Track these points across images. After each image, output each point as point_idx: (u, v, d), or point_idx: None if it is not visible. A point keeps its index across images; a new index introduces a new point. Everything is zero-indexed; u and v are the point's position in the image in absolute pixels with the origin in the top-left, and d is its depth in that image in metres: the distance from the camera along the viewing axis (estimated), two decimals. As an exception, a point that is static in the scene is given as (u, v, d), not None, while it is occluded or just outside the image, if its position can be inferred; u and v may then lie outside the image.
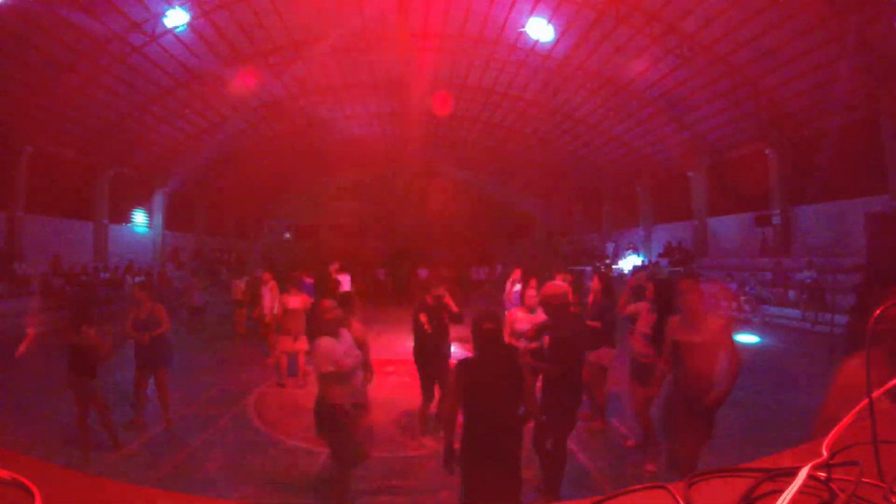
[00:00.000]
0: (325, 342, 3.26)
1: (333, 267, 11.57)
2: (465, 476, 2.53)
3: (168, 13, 12.16)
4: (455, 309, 4.87)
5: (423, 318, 4.69)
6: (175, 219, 21.65)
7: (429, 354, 4.70)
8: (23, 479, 0.79)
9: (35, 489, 0.77)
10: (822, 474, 0.78)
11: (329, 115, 21.34)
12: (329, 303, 3.47)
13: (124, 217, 18.31)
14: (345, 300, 4.08)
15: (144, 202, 19.77)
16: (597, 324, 4.81)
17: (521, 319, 4.99)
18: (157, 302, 5.31)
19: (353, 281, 12.14)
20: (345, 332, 3.48)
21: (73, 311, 4.62)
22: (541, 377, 3.45)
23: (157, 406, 5.21)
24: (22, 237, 13.47)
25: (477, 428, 2.48)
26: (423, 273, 19.36)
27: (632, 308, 4.52)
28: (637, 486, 0.85)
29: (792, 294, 12.34)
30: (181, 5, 12.10)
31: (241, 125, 19.91)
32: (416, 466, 4.18)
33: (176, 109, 16.71)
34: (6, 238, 13.12)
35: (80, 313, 4.49)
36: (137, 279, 14.23)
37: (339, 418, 3.12)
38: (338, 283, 8.99)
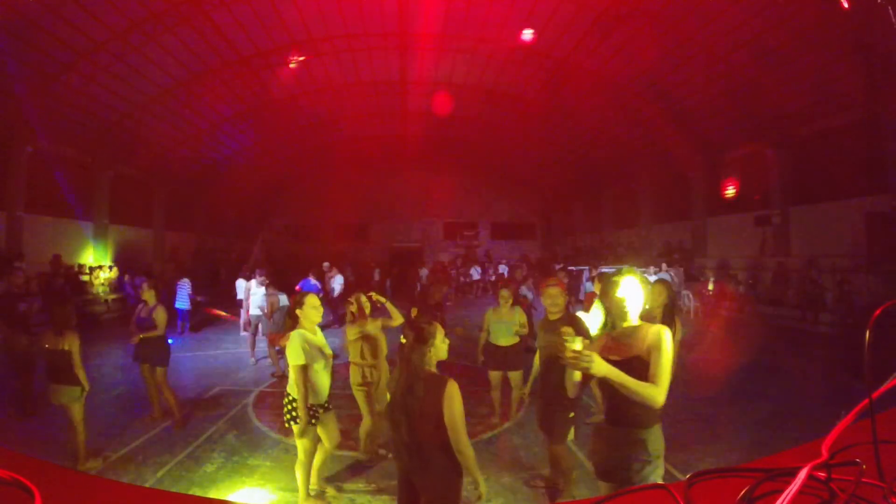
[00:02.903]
0: (302, 334, 3.37)
1: (325, 265, 11.72)
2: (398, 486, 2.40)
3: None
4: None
5: (413, 311, 4.80)
6: (175, 219, 21.64)
7: None
8: (23, 479, 0.79)
9: (35, 489, 0.77)
10: (822, 474, 0.78)
11: (329, 115, 21.35)
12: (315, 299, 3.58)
13: (124, 217, 18.29)
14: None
15: (144, 202, 19.76)
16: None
17: (495, 317, 5.09)
18: (159, 303, 5.34)
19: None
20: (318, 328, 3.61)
21: (54, 315, 4.27)
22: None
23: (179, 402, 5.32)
24: (22, 237, 13.46)
25: (398, 447, 2.28)
26: (423, 272, 19.35)
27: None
28: (637, 486, 0.85)
29: (792, 294, 12.35)
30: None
31: (242, 125, 19.92)
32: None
33: (176, 109, 16.71)
34: (6, 238, 13.11)
35: (61, 317, 4.19)
36: (138, 280, 14.22)
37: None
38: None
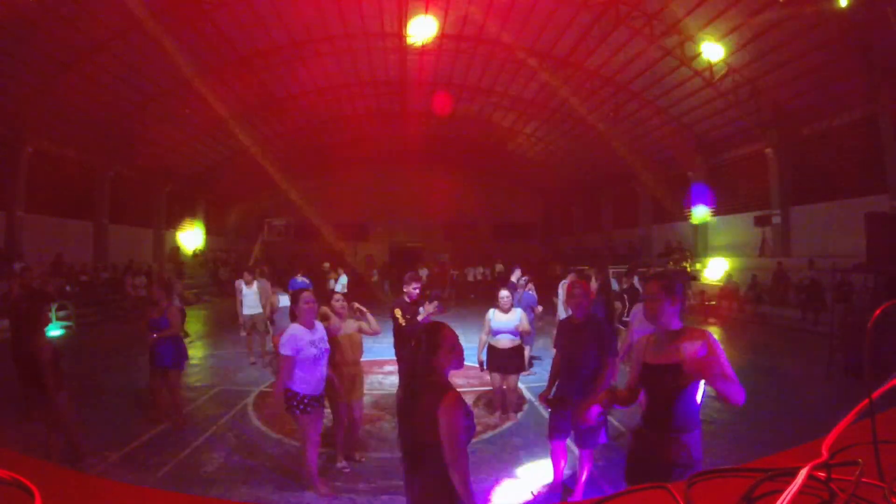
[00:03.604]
0: (294, 328, 3.60)
1: (325, 266, 11.73)
2: None
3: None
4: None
5: (397, 312, 4.88)
6: (175, 219, 21.65)
7: (403, 347, 4.77)
8: (23, 479, 0.79)
9: (35, 489, 0.77)
10: (822, 474, 0.78)
11: (329, 115, 21.36)
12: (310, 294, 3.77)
13: (124, 217, 18.30)
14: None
15: (144, 202, 19.77)
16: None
17: (495, 319, 5.09)
18: (171, 303, 5.33)
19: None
20: (318, 324, 3.78)
21: (24, 317, 3.92)
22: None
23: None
24: (22, 237, 13.47)
25: (402, 450, 2.19)
26: (423, 272, 19.34)
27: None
28: (637, 486, 0.85)
29: (792, 294, 12.35)
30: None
31: (242, 125, 19.92)
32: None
33: (176, 109, 16.71)
34: (6, 238, 13.11)
35: (31, 319, 3.85)
36: (138, 280, 14.24)
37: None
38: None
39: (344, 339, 4.23)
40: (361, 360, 4.41)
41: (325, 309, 4.27)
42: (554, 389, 3.63)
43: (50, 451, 3.86)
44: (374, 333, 4.51)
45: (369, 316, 4.48)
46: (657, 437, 2.14)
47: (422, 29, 14.44)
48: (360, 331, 4.39)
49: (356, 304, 4.47)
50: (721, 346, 2.06)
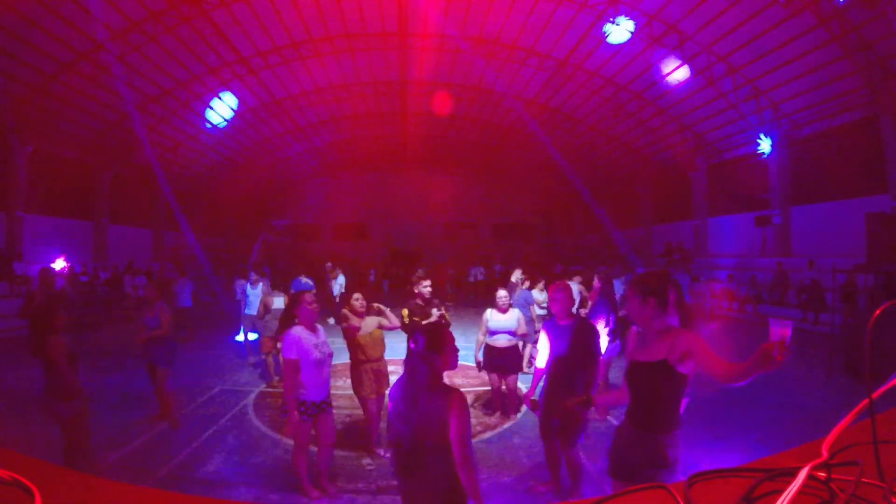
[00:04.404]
0: (297, 331, 3.50)
1: (327, 266, 11.74)
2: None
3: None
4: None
5: (404, 312, 4.91)
6: (175, 219, 21.64)
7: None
8: (23, 479, 0.79)
9: (35, 489, 0.77)
10: (822, 474, 0.78)
11: (329, 115, 21.37)
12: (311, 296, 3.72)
13: (124, 217, 18.29)
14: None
15: (144, 202, 19.77)
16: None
17: (493, 319, 5.09)
18: (163, 303, 5.36)
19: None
20: (320, 327, 3.71)
21: (36, 320, 3.67)
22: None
23: (178, 402, 5.35)
24: (22, 237, 13.47)
25: (398, 459, 2.11)
26: (422, 272, 19.32)
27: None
28: (637, 486, 0.85)
29: (792, 294, 12.34)
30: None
31: (243, 125, 19.92)
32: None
33: (176, 109, 16.72)
34: (6, 238, 13.12)
35: (45, 322, 3.62)
36: (138, 280, 14.23)
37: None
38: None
39: (365, 337, 4.27)
40: (385, 356, 4.48)
41: (345, 311, 4.33)
42: (540, 391, 3.64)
43: (69, 457, 3.61)
44: (395, 328, 4.60)
45: (388, 311, 4.57)
46: (635, 434, 2.17)
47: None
48: (381, 326, 4.46)
49: (376, 304, 4.56)
50: (708, 344, 2.04)
